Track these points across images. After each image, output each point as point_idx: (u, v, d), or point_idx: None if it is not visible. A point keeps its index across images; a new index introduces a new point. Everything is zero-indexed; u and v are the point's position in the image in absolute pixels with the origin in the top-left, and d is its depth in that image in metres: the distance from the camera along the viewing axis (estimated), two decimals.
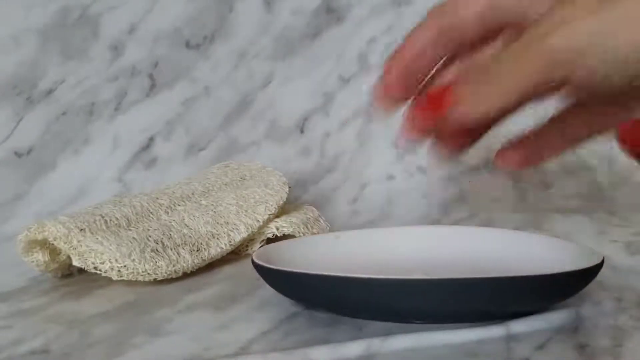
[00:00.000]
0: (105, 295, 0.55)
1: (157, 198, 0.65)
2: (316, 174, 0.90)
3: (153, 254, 0.58)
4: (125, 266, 0.56)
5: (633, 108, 0.32)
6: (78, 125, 0.85)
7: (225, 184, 0.70)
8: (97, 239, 0.57)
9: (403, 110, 0.35)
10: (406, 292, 0.42)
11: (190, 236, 0.62)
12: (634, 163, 0.28)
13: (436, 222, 0.79)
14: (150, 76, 0.87)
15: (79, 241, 0.56)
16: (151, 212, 0.63)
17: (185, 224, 0.63)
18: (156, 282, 0.57)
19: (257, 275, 0.48)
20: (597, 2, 0.28)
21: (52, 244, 0.57)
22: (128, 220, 0.60)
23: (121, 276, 0.56)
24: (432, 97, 0.33)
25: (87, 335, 0.45)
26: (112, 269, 0.56)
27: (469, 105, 0.31)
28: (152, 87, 0.87)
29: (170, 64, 0.88)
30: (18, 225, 0.72)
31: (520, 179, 0.89)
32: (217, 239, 0.63)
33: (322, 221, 0.72)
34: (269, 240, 0.66)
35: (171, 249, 0.59)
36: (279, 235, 0.67)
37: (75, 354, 0.42)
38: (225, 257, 0.64)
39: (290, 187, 0.72)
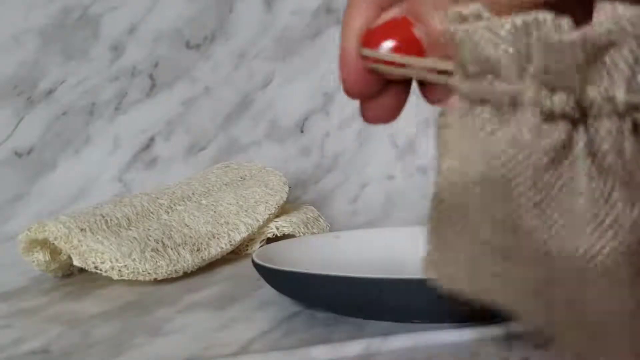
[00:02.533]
0: (106, 295, 0.55)
1: (158, 198, 0.65)
2: (316, 174, 0.90)
3: (153, 253, 0.58)
4: (125, 266, 0.56)
5: None
6: (78, 125, 0.85)
7: (226, 184, 0.70)
8: (98, 238, 0.57)
9: None
10: (406, 292, 0.42)
11: (190, 236, 0.62)
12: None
13: None
14: (151, 76, 0.87)
15: (79, 241, 0.57)
16: (151, 212, 0.63)
17: (186, 224, 0.63)
18: (156, 281, 0.57)
19: (257, 275, 0.48)
20: None
21: (53, 243, 0.57)
22: (128, 220, 0.60)
23: (122, 276, 0.56)
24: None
25: (87, 335, 0.45)
26: (112, 268, 0.56)
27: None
28: (153, 87, 0.87)
29: (170, 64, 0.88)
30: (18, 225, 0.72)
31: None
32: (217, 238, 0.63)
33: (322, 221, 0.72)
34: (269, 240, 0.66)
35: (171, 249, 0.59)
36: (279, 235, 0.67)
37: (76, 354, 0.42)
38: (225, 257, 0.64)
39: (290, 187, 0.72)
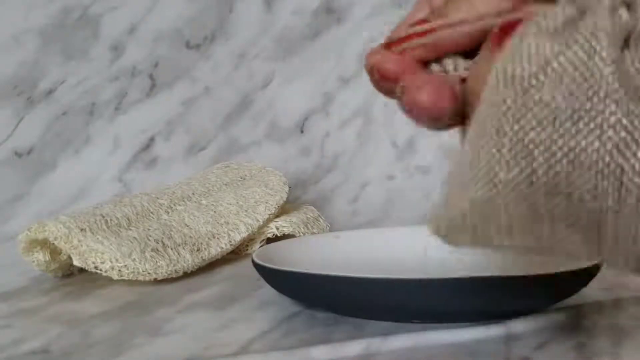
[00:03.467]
0: (106, 295, 0.55)
1: (158, 198, 0.65)
2: (316, 174, 0.90)
3: (153, 253, 0.58)
4: (125, 266, 0.56)
5: None
6: (78, 125, 0.85)
7: (226, 184, 0.70)
8: (98, 238, 0.57)
9: None
10: (406, 292, 0.42)
11: (190, 236, 0.62)
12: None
13: None
14: (151, 76, 0.87)
15: (79, 241, 0.57)
16: (151, 212, 0.63)
17: (186, 224, 0.63)
18: (156, 281, 0.57)
19: (257, 275, 0.48)
20: None
21: (53, 243, 0.57)
22: (128, 220, 0.60)
23: (122, 276, 0.56)
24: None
25: (87, 335, 0.45)
26: (112, 268, 0.56)
27: None
28: (153, 87, 0.87)
29: (170, 64, 0.88)
30: (19, 225, 0.72)
31: None
32: (217, 238, 0.63)
33: (322, 221, 0.72)
34: (269, 240, 0.66)
35: (171, 249, 0.59)
36: (279, 235, 0.67)
37: (76, 354, 0.42)
38: (225, 257, 0.64)
39: (290, 187, 0.72)
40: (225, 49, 0.89)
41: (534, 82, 0.26)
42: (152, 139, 0.87)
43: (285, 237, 0.66)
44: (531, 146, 0.25)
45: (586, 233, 0.25)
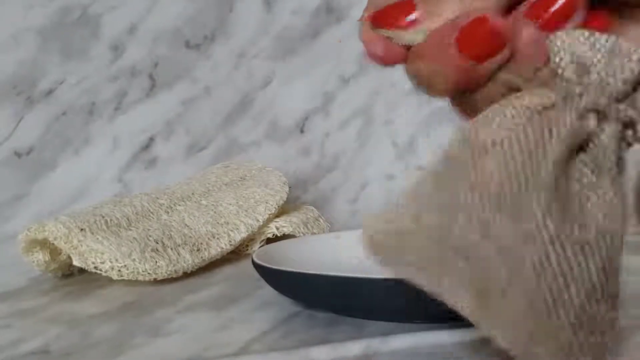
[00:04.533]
0: (106, 295, 0.55)
1: (157, 198, 0.65)
2: (316, 174, 0.90)
3: (153, 253, 0.58)
4: (125, 266, 0.56)
5: None
6: (78, 125, 0.85)
7: (226, 184, 0.70)
8: (98, 238, 0.57)
9: None
10: (406, 292, 0.42)
11: (190, 236, 0.62)
12: None
13: None
14: (150, 76, 0.87)
15: (79, 241, 0.57)
16: (151, 212, 0.63)
17: (186, 224, 0.63)
18: (156, 282, 0.57)
19: (257, 275, 0.48)
20: None
21: (53, 243, 0.57)
22: (128, 220, 0.60)
23: (121, 276, 0.56)
24: None
25: (87, 335, 0.45)
26: (112, 268, 0.56)
27: None
28: (152, 87, 0.87)
29: (170, 64, 0.88)
30: (18, 225, 0.72)
31: None
32: (217, 238, 0.63)
33: (322, 221, 0.72)
34: (269, 240, 0.66)
35: (171, 249, 0.59)
36: (279, 235, 0.67)
37: (76, 354, 0.42)
38: (225, 257, 0.64)
39: (290, 187, 0.72)
40: (225, 49, 0.89)
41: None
42: (151, 139, 0.87)
43: (285, 237, 0.66)
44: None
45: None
